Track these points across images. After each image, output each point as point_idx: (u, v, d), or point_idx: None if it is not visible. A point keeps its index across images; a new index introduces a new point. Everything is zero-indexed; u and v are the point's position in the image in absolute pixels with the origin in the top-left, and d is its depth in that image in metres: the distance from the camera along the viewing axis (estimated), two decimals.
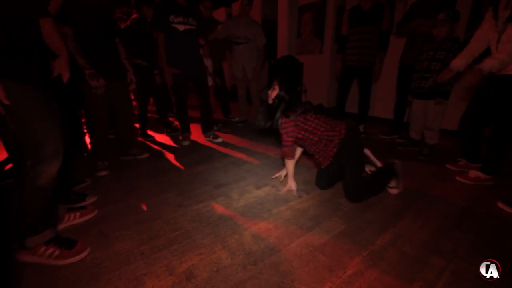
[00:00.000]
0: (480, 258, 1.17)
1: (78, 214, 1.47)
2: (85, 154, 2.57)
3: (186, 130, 2.96)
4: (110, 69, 2.03)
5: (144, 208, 1.61)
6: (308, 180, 1.97)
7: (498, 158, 1.81)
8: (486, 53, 1.76)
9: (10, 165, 2.04)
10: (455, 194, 1.76)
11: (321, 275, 1.08)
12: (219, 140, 3.01)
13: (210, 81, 3.42)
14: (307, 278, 1.06)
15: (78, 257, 1.17)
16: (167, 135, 3.29)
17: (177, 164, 2.33)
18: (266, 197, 1.73)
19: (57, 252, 1.16)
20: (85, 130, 2.94)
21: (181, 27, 2.52)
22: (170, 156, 2.53)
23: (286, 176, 1.86)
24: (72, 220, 1.45)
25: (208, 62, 3.39)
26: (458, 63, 1.91)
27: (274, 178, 1.97)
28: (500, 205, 1.59)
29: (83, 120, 2.99)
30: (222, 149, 2.72)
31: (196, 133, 3.28)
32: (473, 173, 1.92)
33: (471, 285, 1.04)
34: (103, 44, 1.99)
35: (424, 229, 1.38)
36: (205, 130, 3.06)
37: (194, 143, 2.93)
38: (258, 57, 3.42)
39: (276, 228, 1.39)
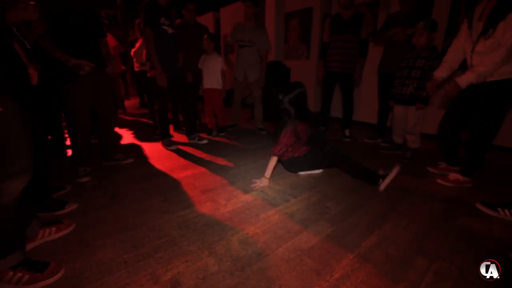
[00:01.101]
0: (461, 257, 1.22)
1: (53, 229, 1.35)
2: (67, 155, 2.47)
3: (168, 135, 2.92)
4: (92, 60, 1.97)
5: (128, 215, 1.56)
6: (295, 184, 1.98)
7: (475, 161, 1.89)
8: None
9: None
10: (436, 196, 1.82)
11: (308, 279, 1.08)
12: (205, 141, 3.00)
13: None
14: (295, 282, 1.06)
15: (51, 279, 1.08)
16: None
17: (163, 169, 2.28)
18: (253, 201, 1.72)
19: (26, 277, 1.06)
20: (66, 135, 2.85)
21: (169, 30, 2.54)
22: (155, 161, 2.47)
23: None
24: (47, 236, 1.33)
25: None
26: (441, 73, 2.01)
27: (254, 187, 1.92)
28: (479, 206, 1.65)
29: (64, 124, 2.90)
30: (209, 153, 2.69)
31: (182, 137, 3.24)
32: (453, 176, 1.99)
33: (453, 284, 1.07)
34: (84, 43, 1.93)
35: (407, 231, 1.41)
36: (190, 133, 3.04)
37: (180, 148, 2.89)
38: (260, 63, 3.34)
39: (264, 233, 1.38)
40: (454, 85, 1.77)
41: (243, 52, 3.29)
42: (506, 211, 1.54)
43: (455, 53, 1.92)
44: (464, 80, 1.72)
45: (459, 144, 2.09)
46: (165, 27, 2.50)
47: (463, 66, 1.91)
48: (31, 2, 1.19)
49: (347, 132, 3.27)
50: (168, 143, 2.87)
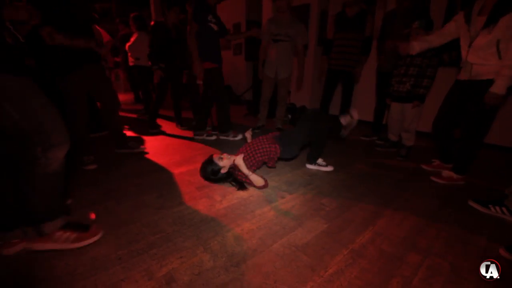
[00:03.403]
0: (453, 253, 1.24)
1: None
2: None
3: (204, 127, 3.11)
4: (81, 52, 1.96)
5: (122, 211, 1.54)
6: (291, 181, 1.98)
7: (467, 158, 1.92)
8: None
9: None
10: (429, 193, 1.84)
11: (303, 274, 1.09)
12: (213, 137, 3.07)
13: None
14: (290, 278, 1.07)
15: (94, 239, 1.24)
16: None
17: (158, 164, 2.26)
18: (249, 198, 1.72)
19: (73, 236, 1.20)
20: None
21: (215, 27, 2.71)
22: (150, 157, 2.45)
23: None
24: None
25: None
26: (415, 46, 2.02)
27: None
28: (471, 203, 1.68)
29: None
30: (205, 149, 2.68)
31: (177, 133, 3.22)
32: (446, 173, 2.02)
33: (445, 280, 1.08)
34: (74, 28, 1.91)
35: (401, 227, 1.43)
36: (198, 129, 3.12)
37: (176, 144, 2.87)
38: (298, 60, 3.14)
39: (259, 229, 1.39)
40: (494, 96, 1.65)
41: (277, 46, 3.01)
42: (497, 208, 1.57)
43: (440, 37, 1.93)
44: (501, 87, 1.62)
45: (452, 142, 2.12)
46: (212, 24, 2.66)
47: (455, 62, 1.93)
48: (23, 3, 1.19)
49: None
50: (205, 134, 3.05)
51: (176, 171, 2.14)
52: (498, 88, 1.62)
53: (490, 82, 1.68)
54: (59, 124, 1.13)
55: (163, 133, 3.30)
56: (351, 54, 2.94)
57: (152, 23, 3.19)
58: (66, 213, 1.26)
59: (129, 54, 4.16)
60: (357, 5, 2.84)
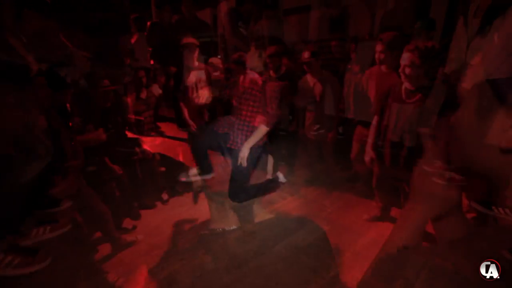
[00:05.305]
0: (456, 254, 1.23)
1: (48, 228, 1.32)
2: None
3: None
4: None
5: (123, 213, 1.54)
6: (292, 182, 1.98)
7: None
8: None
9: None
10: (431, 194, 1.83)
11: (305, 276, 1.08)
12: None
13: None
14: (292, 280, 1.06)
15: (41, 265, 1.09)
16: None
17: (158, 166, 2.26)
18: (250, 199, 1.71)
19: (17, 261, 1.06)
20: None
21: (244, 32, 3.11)
22: (151, 158, 2.45)
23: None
24: (40, 235, 1.30)
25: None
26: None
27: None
28: (473, 204, 1.67)
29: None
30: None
31: (178, 134, 3.23)
32: (449, 174, 2.01)
33: (447, 280, 1.07)
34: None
35: (403, 228, 1.42)
36: None
37: (176, 145, 2.87)
38: None
39: (260, 231, 1.38)
40: None
41: None
42: (500, 209, 1.56)
43: (456, 53, 1.92)
44: None
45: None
46: (241, 29, 3.17)
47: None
48: None
49: (340, 129, 3.31)
50: None
51: (176, 172, 2.13)
52: None
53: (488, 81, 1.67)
54: (42, 137, 1.08)
55: (164, 134, 3.30)
56: (333, 54, 3.09)
57: (149, 23, 3.25)
58: (17, 233, 1.13)
59: None
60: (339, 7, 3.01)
